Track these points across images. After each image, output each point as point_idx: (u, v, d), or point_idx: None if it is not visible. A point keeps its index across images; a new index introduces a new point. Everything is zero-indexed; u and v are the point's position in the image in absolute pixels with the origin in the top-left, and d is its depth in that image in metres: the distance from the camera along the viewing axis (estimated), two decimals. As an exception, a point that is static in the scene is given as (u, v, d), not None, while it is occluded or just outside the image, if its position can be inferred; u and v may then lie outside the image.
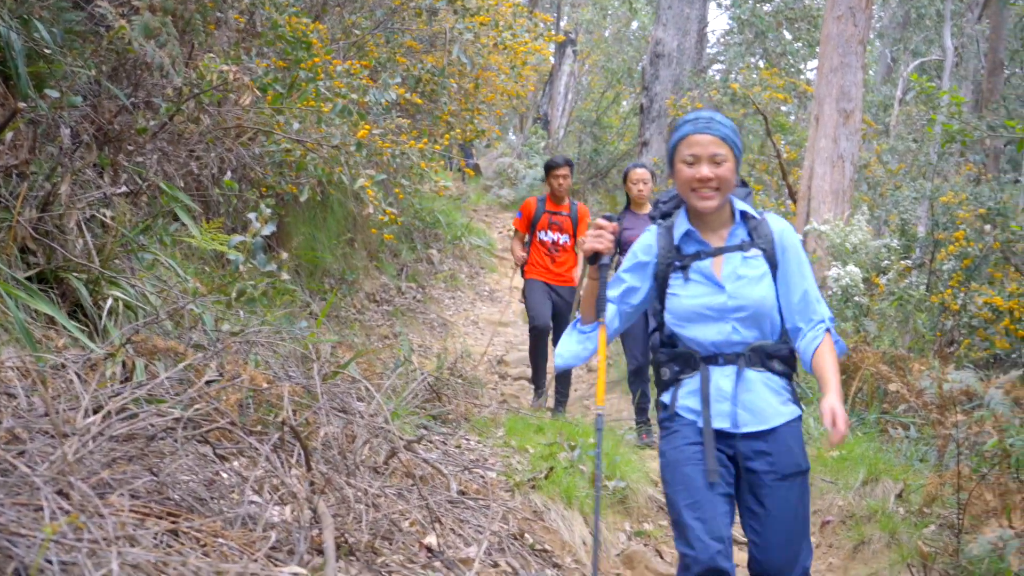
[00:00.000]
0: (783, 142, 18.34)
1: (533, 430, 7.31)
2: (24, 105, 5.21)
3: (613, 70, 28.35)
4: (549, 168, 10.79)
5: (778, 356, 4.11)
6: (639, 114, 20.58)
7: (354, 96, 8.60)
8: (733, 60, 23.54)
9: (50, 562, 2.63)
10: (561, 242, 10.64)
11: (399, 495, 4.82)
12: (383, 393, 5.94)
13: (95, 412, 3.79)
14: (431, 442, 6.12)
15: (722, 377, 4.06)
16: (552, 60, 26.27)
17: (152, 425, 3.91)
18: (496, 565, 4.76)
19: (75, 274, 5.33)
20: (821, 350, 4.03)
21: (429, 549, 4.48)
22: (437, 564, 4.38)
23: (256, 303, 6.37)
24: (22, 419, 3.56)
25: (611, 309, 4.25)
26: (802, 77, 23.09)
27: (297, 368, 5.85)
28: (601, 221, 4.20)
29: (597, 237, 4.16)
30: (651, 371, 9.42)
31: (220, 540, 3.41)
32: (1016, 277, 10.66)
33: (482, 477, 5.84)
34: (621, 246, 9.37)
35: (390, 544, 4.32)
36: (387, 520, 4.45)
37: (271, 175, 8.30)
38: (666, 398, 4.20)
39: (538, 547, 5.25)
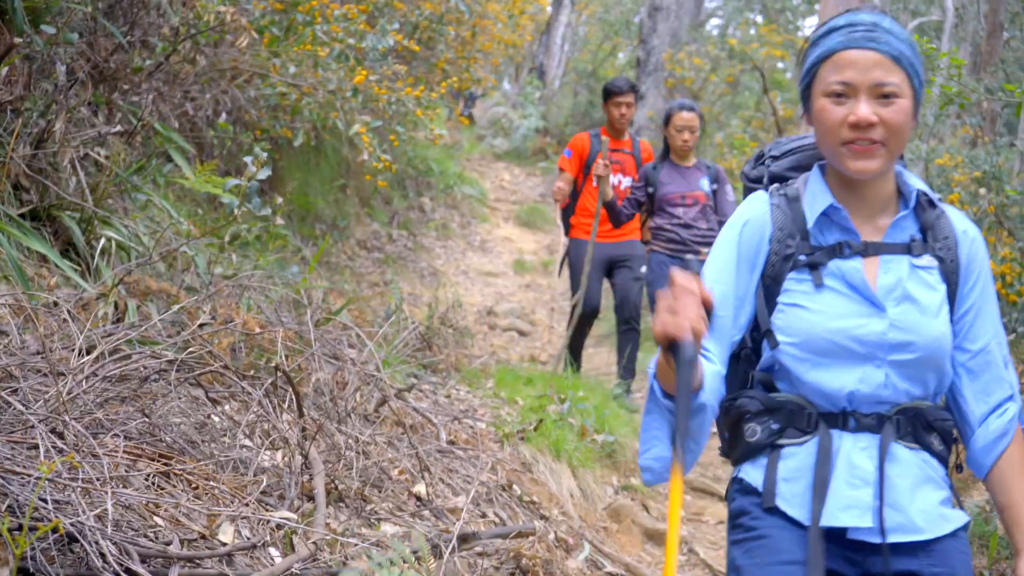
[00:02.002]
0: (779, 99, 18.30)
1: (523, 382, 7.32)
2: (20, 40, 5.16)
3: (611, 22, 28.20)
4: (609, 93, 9.17)
5: (940, 429, 2.58)
6: (636, 67, 20.50)
7: (351, 41, 8.54)
8: (731, 15, 23.50)
9: (44, 500, 2.62)
10: (623, 187, 8.88)
11: (389, 443, 4.83)
12: (376, 341, 5.93)
13: (88, 352, 3.78)
14: (421, 391, 6.12)
15: (856, 450, 2.52)
16: (549, 10, 26.11)
17: (145, 367, 3.90)
18: (484, 515, 4.77)
19: (68, 212, 5.29)
20: (1012, 456, 2.57)
21: (418, 498, 4.49)
22: (426, 513, 4.39)
23: (249, 247, 6.36)
24: (15, 357, 3.55)
25: (708, 366, 2.49)
26: (800, 34, 23.04)
27: (289, 313, 5.84)
28: (682, 278, 2.30)
29: (677, 311, 2.25)
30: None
31: (212, 483, 3.41)
32: (1009, 242, 10.68)
33: (471, 427, 5.85)
34: (654, 204, 8.38)
35: (379, 492, 4.33)
36: (377, 468, 4.45)
37: (265, 118, 8.25)
38: (753, 476, 2.61)
39: (526, 498, 5.26)
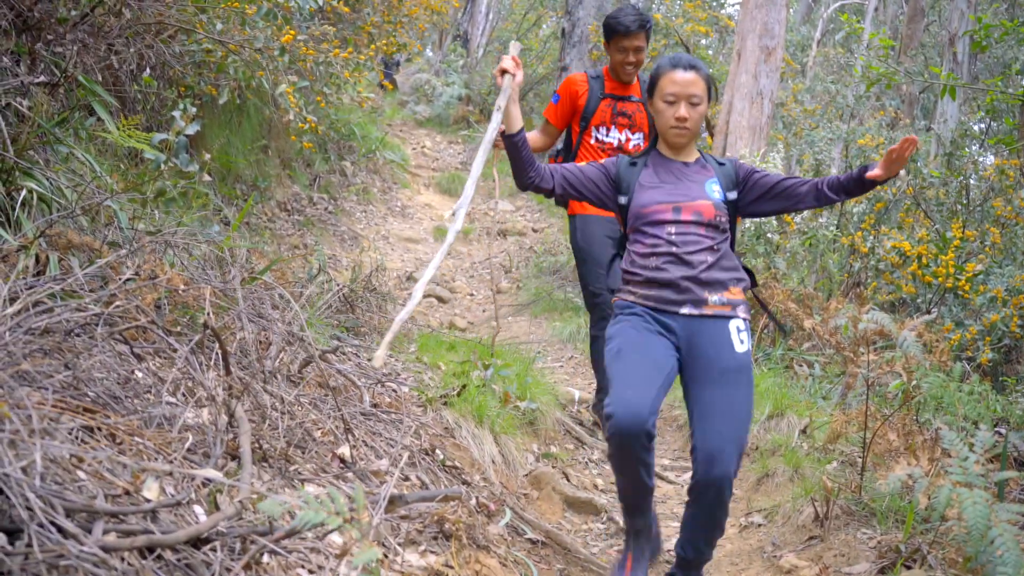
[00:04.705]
0: (703, 75, 18.35)
1: (445, 347, 7.31)
2: (-58, -15, 5.06)
3: (536, -8, 28.20)
4: (612, 32, 6.84)
5: None
6: (560, 38, 20.46)
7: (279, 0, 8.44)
8: (656, -10, 23.53)
9: (-31, 451, 2.57)
10: (631, 146, 6.90)
11: (313, 404, 4.80)
12: (300, 302, 5.89)
13: (10, 303, 3.71)
14: (344, 353, 6.09)
15: None
16: (475, -22, 26.04)
17: (68, 320, 3.84)
18: (407, 479, 4.76)
19: (-12, 163, 5.19)
20: None
21: (342, 460, 4.46)
22: (349, 475, 4.36)
23: (174, 204, 6.27)
24: (-65, 306, 3.48)
25: None
26: (723, 12, 23.15)
27: (213, 271, 5.77)
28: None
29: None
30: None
31: (136, 439, 3.36)
32: (926, 223, 10.85)
33: (394, 391, 5.83)
34: (627, 223, 4.82)
35: (303, 453, 4.30)
36: (301, 429, 4.42)
37: (190, 75, 8.14)
38: None
39: (448, 463, 5.26)
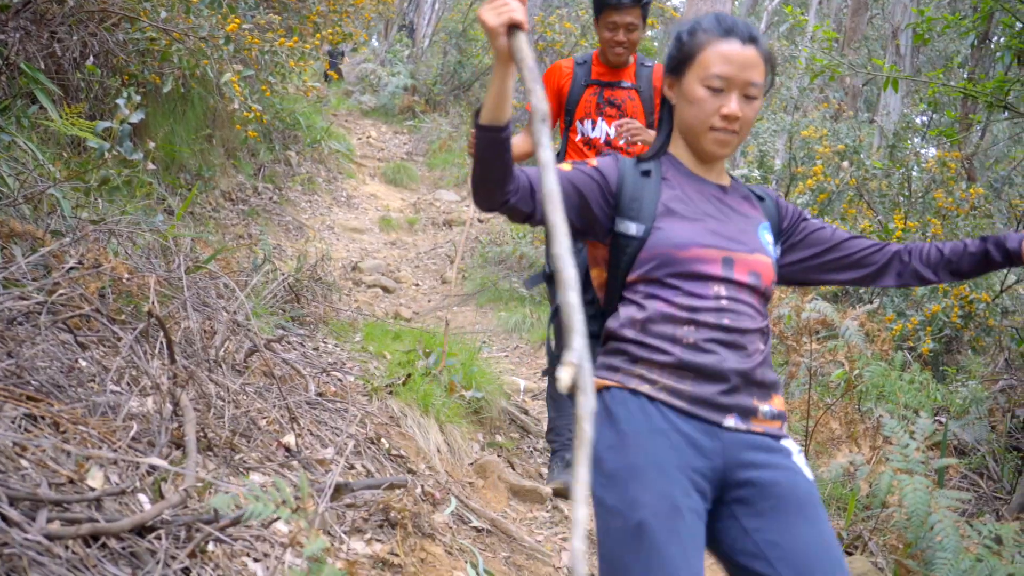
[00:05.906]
0: (648, 67, 18.43)
1: (391, 337, 7.31)
2: None
3: (482, -18, 28.14)
4: (603, 4, 5.68)
5: None
6: (506, 29, 20.47)
7: (224, -13, 8.39)
8: (602, -19, 23.60)
9: (-89, 440, 2.55)
10: (621, 143, 5.69)
11: (258, 393, 4.79)
12: (245, 292, 5.88)
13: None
14: (290, 343, 6.08)
15: None
16: (421, -32, 26.02)
17: (11, 308, 3.82)
18: (352, 468, 4.76)
19: (-71, 150, 5.15)
20: None
21: (287, 448, 4.46)
22: (295, 463, 4.36)
23: (118, 192, 6.23)
24: None
25: None
26: (668, 3, 23.23)
27: (157, 260, 5.75)
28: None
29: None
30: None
31: (81, 428, 3.35)
32: (869, 214, 10.95)
33: (340, 380, 5.83)
34: (630, 268, 2.90)
35: (248, 442, 4.30)
36: (246, 417, 4.41)
37: (134, 63, 8.08)
38: None
39: (394, 452, 5.26)
